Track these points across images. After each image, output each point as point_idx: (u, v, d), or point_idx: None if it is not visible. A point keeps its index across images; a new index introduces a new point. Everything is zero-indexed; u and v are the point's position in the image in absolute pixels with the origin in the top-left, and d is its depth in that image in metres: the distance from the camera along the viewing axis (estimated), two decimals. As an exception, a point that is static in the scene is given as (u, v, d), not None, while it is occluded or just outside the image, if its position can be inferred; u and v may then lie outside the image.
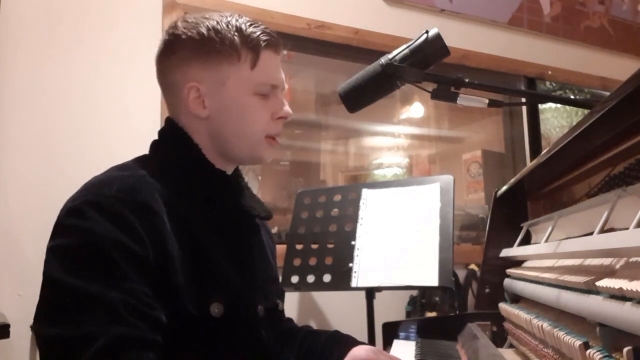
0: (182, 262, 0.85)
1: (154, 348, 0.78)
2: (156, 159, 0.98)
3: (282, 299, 1.12)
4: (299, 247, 1.72)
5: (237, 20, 0.98)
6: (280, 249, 1.83)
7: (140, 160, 0.97)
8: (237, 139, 0.98)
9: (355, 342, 1.08)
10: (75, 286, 0.76)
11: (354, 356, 1.01)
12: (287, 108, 1.01)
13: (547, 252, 1.10)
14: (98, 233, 0.79)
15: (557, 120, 3.12)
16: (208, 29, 0.95)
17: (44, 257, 0.85)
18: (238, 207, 1.01)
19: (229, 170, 1.04)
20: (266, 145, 1.00)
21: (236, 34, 0.96)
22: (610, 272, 0.76)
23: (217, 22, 0.96)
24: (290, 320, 1.25)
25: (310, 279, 1.64)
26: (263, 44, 0.97)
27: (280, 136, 1.03)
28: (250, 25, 0.97)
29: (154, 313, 0.79)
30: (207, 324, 0.86)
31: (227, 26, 0.96)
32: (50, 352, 0.77)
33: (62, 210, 0.85)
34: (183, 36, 0.96)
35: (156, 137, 1.02)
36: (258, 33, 0.97)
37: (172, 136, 0.99)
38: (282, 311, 1.12)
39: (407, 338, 1.46)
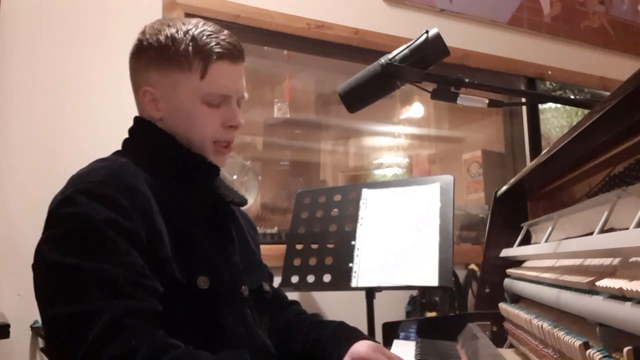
0: (168, 239, 0.90)
1: (156, 317, 0.82)
2: (133, 149, 1.04)
3: (269, 280, 1.17)
4: (299, 247, 1.72)
5: (197, 28, 1.02)
6: (280, 249, 1.84)
7: (118, 152, 1.04)
8: (187, 142, 1.03)
9: (358, 336, 1.09)
10: (75, 265, 0.80)
11: (355, 352, 1.01)
12: (238, 118, 1.05)
13: (547, 252, 1.10)
14: (90, 214, 0.84)
15: (557, 120, 3.12)
16: (166, 37, 1.01)
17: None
18: (213, 192, 1.07)
19: None
20: (215, 151, 1.05)
21: (190, 43, 1.00)
22: (610, 272, 0.76)
23: (177, 31, 1.01)
24: (295, 303, 1.26)
25: (310, 279, 1.64)
26: (214, 56, 1.00)
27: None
28: (209, 35, 1.01)
29: (152, 283, 0.84)
30: (195, 294, 0.91)
31: (185, 35, 1.00)
32: (57, 332, 0.80)
33: (52, 204, 0.90)
34: (145, 42, 1.03)
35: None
36: (212, 44, 1.00)
37: (140, 128, 1.06)
38: (269, 292, 1.15)
39: (407, 338, 1.46)
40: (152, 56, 1.01)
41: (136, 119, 1.07)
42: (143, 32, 1.04)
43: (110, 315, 0.77)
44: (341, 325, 1.15)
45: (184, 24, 1.03)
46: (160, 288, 0.86)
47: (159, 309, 0.84)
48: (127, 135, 1.08)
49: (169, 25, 1.03)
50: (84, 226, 0.83)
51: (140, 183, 0.91)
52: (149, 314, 0.81)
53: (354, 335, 1.10)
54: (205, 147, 1.03)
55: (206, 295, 0.92)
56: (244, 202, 1.13)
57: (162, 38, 1.01)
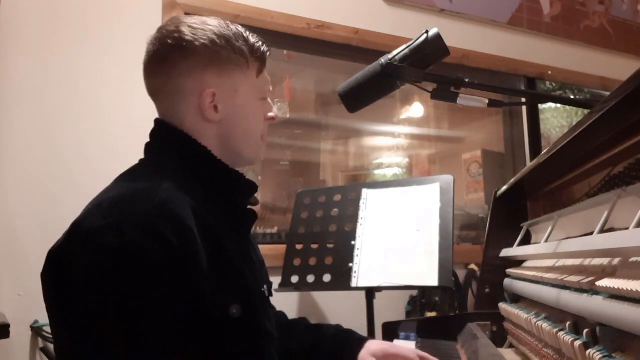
0: (208, 270, 0.85)
1: None
2: (166, 164, 0.97)
3: (271, 283, 1.17)
4: (299, 247, 1.72)
5: (237, 28, 1.02)
6: (280, 249, 1.84)
7: (151, 165, 0.97)
8: (245, 141, 1.03)
9: (362, 338, 1.10)
10: (118, 318, 0.75)
11: (371, 350, 1.03)
12: (275, 109, 1.10)
13: (547, 252, 1.10)
14: (141, 257, 0.77)
15: (557, 120, 3.12)
16: (219, 37, 0.98)
17: (44, 257, 0.84)
18: (244, 204, 1.05)
19: None
20: (262, 145, 1.07)
21: (244, 43, 1.01)
22: (610, 272, 0.76)
23: (225, 29, 1.00)
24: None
25: (310, 279, 1.64)
26: (266, 55, 1.06)
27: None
28: (250, 35, 1.04)
29: (187, 335, 0.81)
30: (227, 325, 0.88)
31: (235, 36, 1.00)
32: None
33: (90, 224, 0.81)
34: (196, 43, 0.97)
35: (148, 140, 1.03)
36: (260, 44, 1.05)
37: (175, 139, 0.99)
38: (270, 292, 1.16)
39: (407, 338, 1.46)
40: (207, 58, 0.97)
41: (162, 123, 1.01)
42: (180, 32, 0.98)
43: None
44: (342, 328, 1.16)
45: (221, 23, 1.01)
46: (194, 331, 0.83)
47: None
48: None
49: (208, 24, 1.00)
50: (135, 270, 0.77)
51: (187, 214, 0.84)
52: None
53: (360, 336, 1.12)
54: (257, 142, 1.05)
55: (240, 322, 0.89)
56: (257, 202, 1.12)
57: (215, 38, 0.98)
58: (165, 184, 0.87)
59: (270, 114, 1.07)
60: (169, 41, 0.98)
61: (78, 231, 0.81)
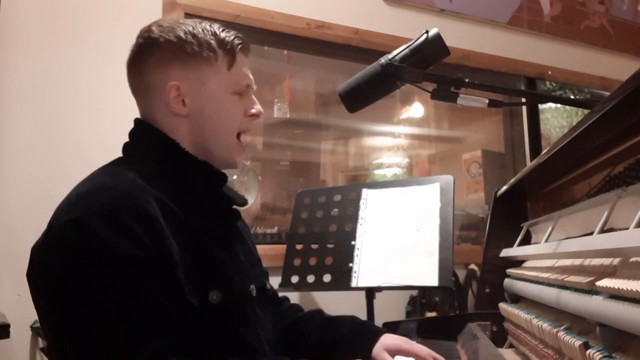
0: (180, 258, 0.88)
1: (176, 347, 0.82)
2: (138, 160, 1.00)
3: (268, 278, 1.18)
4: (299, 247, 1.72)
5: (210, 25, 1.05)
6: (280, 249, 1.84)
7: (123, 163, 0.99)
8: (215, 136, 1.03)
9: (377, 331, 1.11)
10: (97, 310, 0.78)
11: (385, 344, 1.04)
12: (258, 106, 1.08)
13: (547, 252, 1.10)
14: (107, 248, 0.80)
15: (557, 120, 3.12)
16: (185, 33, 1.01)
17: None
18: (221, 196, 1.07)
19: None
20: (238, 145, 1.07)
21: (212, 37, 1.02)
22: (610, 272, 0.76)
23: (193, 27, 1.02)
24: (285, 299, 1.29)
25: (310, 279, 1.64)
26: (237, 47, 1.04)
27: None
28: (223, 30, 1.05)
29: (169, 316, 0.83)
30: (207, 312, 0.90)
31: (203, 31, 1.02)
32: None
33: (56, 221, 0.85)
34: (161, 39, 1.00)
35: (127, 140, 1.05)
36: (232, 37, 1.04)
37: (147, 135, 1.02)
38: (270, 289, 1.17)
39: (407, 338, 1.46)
40: (174, 52, 1.00)
41: (139, 122, 1.04)
42: (149, 31, 1.02)
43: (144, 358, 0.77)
44: (358, 320, 1.17)
45: (194, 22, 1.04)
46: (175, 316, 0.85)
47: (175, 340, 0.83)
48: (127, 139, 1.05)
49: (180, 23, 1.03)
50: (102, 261, 0.80)
51: (150, 205, 0.87)
52: (173, 347, 0.81)
53: (375, 329, 1.12)
54: (232, 142, 1.05)
55: (218, 310, 0.92)
56: (245, 202, 1.14)
57: (181, 34, 1.00)
58: (128, 176, 0.91)
59: (252, 111, 1.07)
60: (140, 40, 1.03)
61: (49, 229, 0.86)
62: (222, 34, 1.03)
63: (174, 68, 1.00)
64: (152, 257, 0.83)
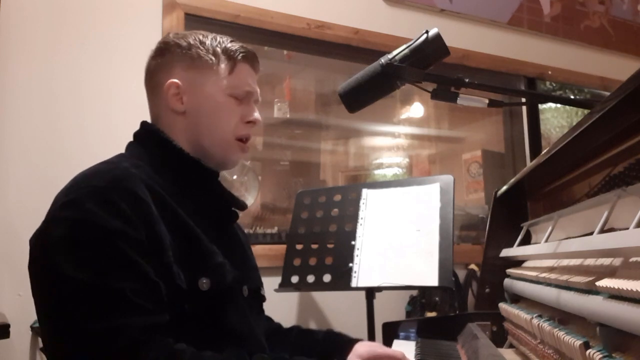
0: (170, 243, 0.91)
1: (167, 327, 0.84)
2: (135, 154, 1.05)
3: (262, 286, 1.20)
4: (299, 247, 1.72)
5: (221, 37, 1.11)
6: (280, 249, 1.84)
7: (121, 156, 1.05)
8: (211, 135, 1.07)
9: (351, 340, 1.13)
10: (92, 282, 0.81)
11: (359, 352, 1.04)
12: (257, 114, 1.12)
13: (547, 252, 1.10)
14: (100, 224, 0.84)
15: (557, 120, 3.12)
16: (194, 39, 1.09)
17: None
18: (217, 197, 1.09)
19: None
20: (237, 148, 1.10)
21: (217, 45, 1.09)
22: (610, 272, 0.76)
23: (204, 36, 1.10)
24: (271, 319, 1.29)
25: (310, 279, 1.64)
26: (240, 56, 1.10)
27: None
28: (232, 41, 1.11)
29: (161, 294, 0.86)
30: (196, 298, 0.92)
31: (212, 40, 1.10)
32: (75, 348, 0.81)
33: (55, 204, 0.91)
34: (171, 43, 1.09)
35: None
36: (237, 47, 1.10)
37: (145, 133, 1.08)
38: (264, 296, 1.18)
39: (407, 338, 1.46)
40: (179, 54, 1.07)
41: (144, 124, 1.10)
42: (167, 37, 1.11)
43: (131, 332, 0.79)
44: (332, 332, 1.21)
45: (208, 33, 1.11)
46: (165, 297, 0.87)
47: (167, 319, 0.86)
48: (131, 133, 1.10)
49: (193, 33, 1.10)
50: (94, 235, 0.84)
51: (140, 189, 0.91)
52: (163, 326, 0.84)
53: (347, 338, 1.15)
54: (228, 142, 1.08)
55: (208, 296, 0.94)
56: (244, 207, 1.15)
57: (190, 40, 1.08)
58: (122, 165, 0.96)
59: (250, 118, 1.10)
60: (157, 45, 1.11)
61: (48, 213, 0.91)
62: (229, 44, 1.10)
63: (177, 68, 1.07)
64: (143, 237, 0.87)
